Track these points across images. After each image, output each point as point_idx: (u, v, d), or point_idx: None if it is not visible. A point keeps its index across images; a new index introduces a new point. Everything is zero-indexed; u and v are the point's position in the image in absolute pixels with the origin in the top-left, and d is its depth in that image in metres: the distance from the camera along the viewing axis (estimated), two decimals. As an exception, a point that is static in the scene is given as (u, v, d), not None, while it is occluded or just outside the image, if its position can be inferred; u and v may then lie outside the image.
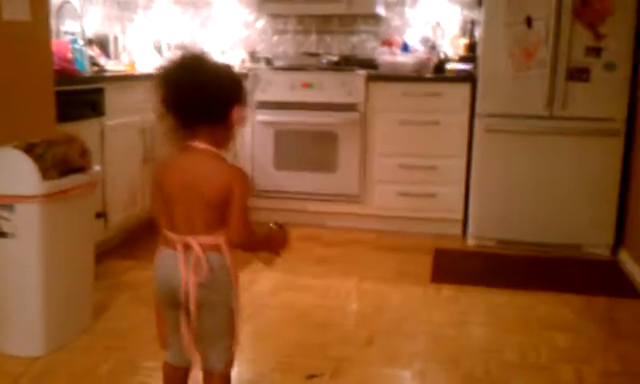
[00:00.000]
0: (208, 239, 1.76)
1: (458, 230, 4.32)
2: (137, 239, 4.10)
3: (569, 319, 3.04)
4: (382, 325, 2.94)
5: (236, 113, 1.79)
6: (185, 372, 1.95)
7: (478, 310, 3.14)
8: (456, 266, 3.79)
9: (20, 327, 2.56)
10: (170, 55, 1.83)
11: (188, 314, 1.79)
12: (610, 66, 3.81)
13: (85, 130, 3.22)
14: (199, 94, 1.74)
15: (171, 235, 1.79)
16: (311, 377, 2.44)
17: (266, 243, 1.92)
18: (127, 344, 2.69)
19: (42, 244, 2.49)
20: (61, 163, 2.56)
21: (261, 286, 3.35)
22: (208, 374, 1.88)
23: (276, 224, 1.96)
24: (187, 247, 1.76)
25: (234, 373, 2.40)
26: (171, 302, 1.82)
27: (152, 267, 1.85)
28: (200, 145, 1.78)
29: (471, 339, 2.83)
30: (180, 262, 1.76)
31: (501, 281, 3.51)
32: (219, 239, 1.77)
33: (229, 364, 1.89)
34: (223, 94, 1.77)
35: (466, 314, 3.08)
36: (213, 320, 1.82)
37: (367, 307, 3.15)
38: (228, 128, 1.81)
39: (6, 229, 2.47)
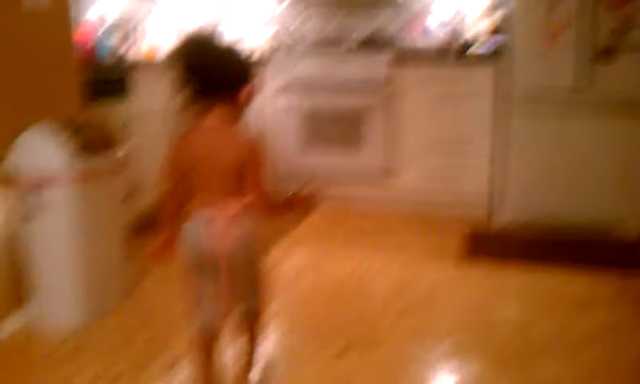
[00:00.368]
0: (230, 205, 1.88)
1: (486, 210, 4.29)
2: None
3: (601, 298, 3.01)
4: (413, 301, 2.94)
5: (247, 91, 1.91)
6: (215, 340, 2.03)
7: (510, 288, 3.12)
8: (486, 245, 3.77)
9: (55, 302, 2.61)
10: (183, 37, 1.91)
11: (218, 276, 1.90)
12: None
13: (114, 111, 3.25)
14: (214, 72, 1.86)
15: (197, 205, 1.90)
16: (342, 351, 2.44)
17: (292, 206, 2.09)
18: (159, 320, 2.72)
19: (73, 223, 2.52)
20: (91, 144, 2.58)
21: (291, 264, 3.36)
22: (243, 320, 2.08)
23: (301, 187, 2.13)
24: (212, 214, 1.87)
25: (265, 347, 2.43)
26: (201, 269, 1.92)
27: (180, 241, 1.95)
28: (214, 119, 1.89)
29: (502, 316, 2.81)
30: (206, 230, 1.87)
31: (532, 259, 3.48)
32: (241, 204, 1.88)
33: (261, 310, 2.08)
34: (235, 72, 1.90)
35: (497, 292, 3.07)
36: (243, 278, 1.96)
37: (398, 284, 3.15)
38: (239, 105, 1.92)
39: (37, 208, 2.50)
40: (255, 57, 4.56)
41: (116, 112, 3.48)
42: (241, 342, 2.18)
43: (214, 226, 1.88)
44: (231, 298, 1.95)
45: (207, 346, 2.04)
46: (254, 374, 2.24)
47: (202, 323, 2.00)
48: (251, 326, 2.12)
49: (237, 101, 1.91)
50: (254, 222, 1.92)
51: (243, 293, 2.00)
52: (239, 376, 2.21)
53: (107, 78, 3.49)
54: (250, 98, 1.93)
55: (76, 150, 2.50)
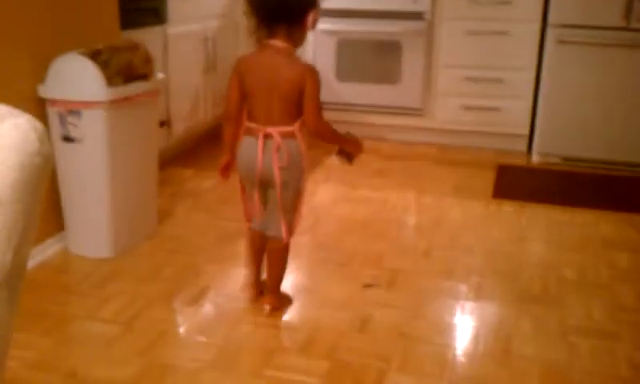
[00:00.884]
0: (285, 128, 2.06)
1: (522, 146, 4.22)
2: (199, 148, 4.17)
3: (632, 239, 2.97)
4: (440, 238, 2.94)
5: (311, 17, 2.06)
6: (264, 236, 2.27)
7: (539, 227, 3.10)
8: (519, 183, 3.72)
9: (89, 229, 2.67)
10: None
11: (264, 191, 2.14)
12: (696, -27, 3.57)
13: (148, 38, 3.23)
14: (278, 3, 2.02)
15: (252, 125, 2.08)
16: (367, 286, 2.48)
17: (342, 139, 2.23)
18: (189, 249, 2.78)
19: (107, 149, 2.55)
20: (125, 70, 2.59)
21: (320, 197, 3.38)
22: (273, 240, 2.22)
23: (349, 133, 2.27)
24: (267, 135, 2.06)
25: (291, 281, 2.49)
26: (253, 182, 2.14)
27: (237, 155, 2.18)
28: (277, 43, 2.05)
29: (530, 255, 2.80)
30: (259, 148, 2.06)
31: (564, 198, 3.44)
32: (294, 128, 2.06)
33: (292, 232, 2.23)
34: (298, 2, 2.04)
35: (526, 231, 3.05)
36: (286, 196, 2.13)
37: (426, 220, 3.15)
38: (302, 30, 2.08)
39: (73, 134, 2.54)
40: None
41: (154, 37, 3.48)
42: (273, 258, 2.28)
43: (265, 146, 2.06)
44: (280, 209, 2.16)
45: (256, 243, 2.30)
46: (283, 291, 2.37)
47: (255, 223, 2.26)
48: (283, 249, 2.26)
49: (299, 28, 2.07)
50: (303, 143, 2.09)
51: (280, 212, 2.16)
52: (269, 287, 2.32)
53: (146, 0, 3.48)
54: (312, 25, 2.07)
55: (111, 76, 2.51)
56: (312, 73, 2.05)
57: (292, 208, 2.19)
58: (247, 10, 2.07)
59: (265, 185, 2.13)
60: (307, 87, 2.03)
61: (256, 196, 2.16)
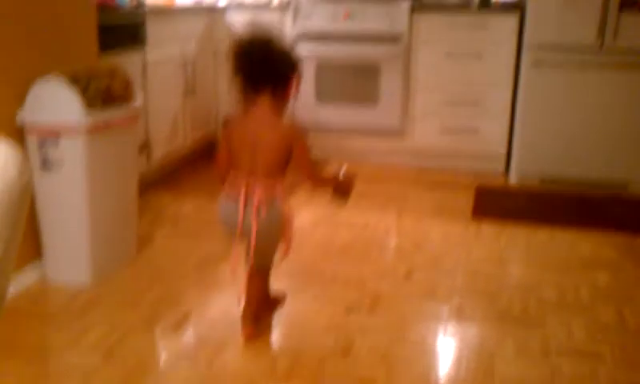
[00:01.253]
0: (268, 182, 2.12)
1: (500, 166, 4.27)
2: (178, 172, 4.16)
3: (611, 259, 3.00)
4: (421, 260, 2.95)
5: (293, 84, 2.18)
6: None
7: (519, 247, 3.12)
8: (497, 203, 3.75)
9: (67, 257, 2.64)
10: (239, 37, 2.18)
11: (247, 241, 2.18)
12: (666, -4, 3.65)
13: (127, 63, 3.23)
14: (268, 66, 2.12)
15: (236, 180, 2.14)
16: (350, 309, 2.47)
17: (336, 182, 2.28)
18: (170, 274, 2.76)
19: (86, 175, 2.53)
20: (104, 95, 2.58)
21: (301, 221, 3.37)
22: (254, 269, 2.27)
23: (344, 171, 2.32)
24: (250, 189, 2.11)
25: (277, 300, 2.46)
26: (233, 236, 2.19)
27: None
28: (262, 107, 2.14)
29: (510, 276, 2.82)
30: (240, 203, 2.11)
31: (543, 218, 3.47)
32: (276, 185, 2.13)
33: (272, 265, 2.31)
34: (286, 67, 2.16)
35: (505, 251, 3.07)
36: (265, 243, 2.18)
37: (406, 242, 3.16)
38: (286, 93, 2.18)
39: (51, 160, 2.52)
40: (275, 2, 4.50)
41: (132, 60, 3.47)
42: (252, 289, 2.29)
43: (247, 200, 2.11)
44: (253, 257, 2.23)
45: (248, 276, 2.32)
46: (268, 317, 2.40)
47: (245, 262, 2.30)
48: (261, 278, 2.32)
49: (283, 91, 2.17)
50: (284, 197, 2.15)
51: (259, 255, 2.23)
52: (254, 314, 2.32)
53: (125, 24, 3.47)
54: (295, 89, 2.20)
55: (90, 102, 2.50)
56: (298, 132, 2.15)
57: (273, 252, 2.26)
58: (233, 73, 2.15)
59: (248, 238, 2.18)
60: (296, 148, 2.13)
61: (236, 250, 2.23)
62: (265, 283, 2.35)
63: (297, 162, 2.15)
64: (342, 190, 2.29)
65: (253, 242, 2.14)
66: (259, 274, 2.30)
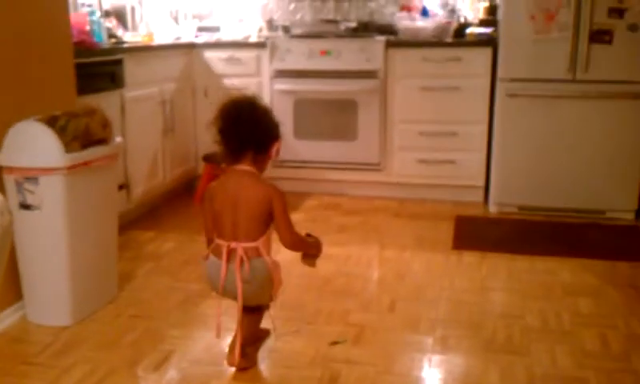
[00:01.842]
0: (250, 244, 2.16)
1: (479, 196, 4.31)
2: (158, 210, 4.14)
3: (592, 285, 3.03)
4: (404, 291, 2.95)
5: (275, 147, 2.25)
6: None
7: (500, 276, 3.14)
8: (477, 233, 3.78)
9: (47, 298, 2.60)
10: (223, 103, 2.26)
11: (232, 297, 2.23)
12: (633, 28, 3.74)
13: (105, 102, 3.23)
14: (252, 130, 2.19)
15: (219, 241, 2.19)
16: (334, 343, 2.46)
17: (309, 245, 2.35)
18: (152, 313, 2.73)
19: (66, 216, 2.52)
20: (83, 135, 2.57)
21: (283, 255, 3.35)
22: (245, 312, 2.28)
23: (310, 235, 2.37)
24: (231, 251, 2.16)
25: (260, 334, 2.44)
26: (218, 292, 2.26)
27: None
28: (244, 167, 2.20)
29: (493, 305, 2.83)
30: (223, 265, 2.16)
31: (523, 247, 3.50)
32: (258, 244, 2.17)
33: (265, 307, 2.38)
34: (268, 131, 2.23)
35: (487, 281, 3.08)
36: (253, 300, 2.26)
37: (388, 274, 3.16)
38: (267, 158, 2.26)
39: (30, 201, 2.50)
40: (252, 39, 4.54)
41: (111, 99, 3.48)
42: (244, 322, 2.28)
43: (229, 262, 2.16)
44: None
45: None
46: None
47: None
48: (255, 316, 2.36)
49: (264, 156, 2.24)
50: (267, 259, 2.20)
51: (248, 310, 2.29)
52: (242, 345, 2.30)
53: (102, 63, 3.48)
54: (278, 151, 2.26)
55: (68, 142, 2.49)
56: (277, 193, 2.19)
57: (259, 310, 2.35)
58: (217, 139, 2.20)
59: (232, 298, 2.22)
60: (275, 208, 2.18)
61: (219, 309, 2.31)
62: (258, 323, 2.37)
63: (275, 223, 2.20)
64: (312, 250, 2.37)
65: (239, 301, 2.18)
66: (255, 313, 2.34)
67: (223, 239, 2.19)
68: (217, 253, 2.21)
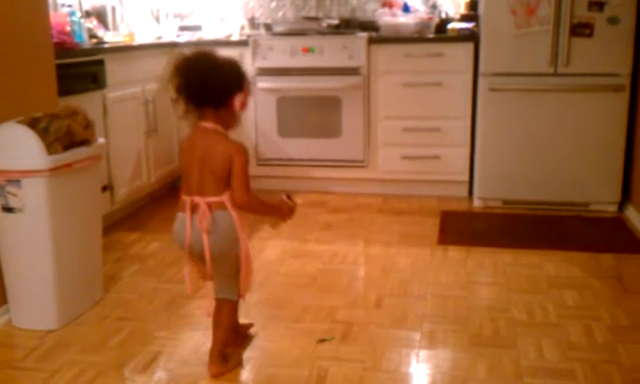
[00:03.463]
0: (213, 198, 2.11)
1: (463, 191, 4.32)
2: (143, 211, 4.12)
3: (576, 277, 3.05)
4: (390, 287, 2.96)
5: (237, 100, 2.14)
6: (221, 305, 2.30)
7: (486, 270, 3.15)
8: (462, 228, 3.79)
9: (32, 301, 2.58)
10: (177, 56, 2.19)
11: (200, 259, 2.17)
12: (613, 20, 3.77)
13: (87, 103, 3.21)
14: (203, 85, 2.10)
15: (184, 197, 2.15)
16: (321, 341, 2.46)
17: (272, 208, 2.28)
18: (138, 315, 2.72)
19: (49, 218, 2.50)
20: (65, 136, 2.55)
21: (269, 254, 3.36)
22: (219, 302, 2.27)
23: (286, 195, 2.30)
24: (196, 205, 2.11)
25: (247, 333, 2.44)
26: (184, 249, 2.19)
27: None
28: (207, 124, 2.15)
29: (479, 299, 2.84)
30: (187, 220, 2.12)
31: (507, 241, 3.52)
32: (223, 198, 2.12)
33: (236, 296, 2.26)
34: (224, 84, 2.12)
35: (473, 275, 3.09)
36: (221, 263, 2.19)
37: (375, 270, 3.16)
38: (230, 112, 2.16)
39: (13, 204, 2.47)
40: (234, 38, 4.53)
41: (93, 100, 3.45)
42: (218, 326, 2.26)
43: (193, 217, 2.12)
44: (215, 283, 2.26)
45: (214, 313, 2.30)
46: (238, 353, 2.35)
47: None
48: (225, 312, 2.28)
49: (226, 111, 2.15)
50: (233, 213, 2.13)
51: (220, 278, 2.24)
52: (221, 351, 2.28)
53: (84, 63, 3.45)
54: (242, 105, 2.16)
55: (50, 143, 2.47)
56: (238, 151, 2.12)
57: (233, 274, 2.24)
58: (174, 95, 2.13)
59: (199, 257, 2.17)
60: (234, 165, 2.10)
61: (193, 267, 2.25)
62: (231, 318, 2.29)
63: (231, 179, 2.11)
64: (276, 216, 2.29)
65: (207, 254, 2.12)
66: (225, 308, 2.26)
67: (189, 195, 2.13)
68: (184, 209, 2.15)
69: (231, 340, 2.33)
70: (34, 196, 2.47)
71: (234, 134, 2.18)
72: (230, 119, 2.18)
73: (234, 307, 2.30)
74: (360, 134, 4.34)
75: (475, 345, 2.42)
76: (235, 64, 2.18)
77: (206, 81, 2.10)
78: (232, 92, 2.13)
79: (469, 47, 4.11)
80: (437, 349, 2.41)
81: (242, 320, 2.48)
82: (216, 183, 2.11)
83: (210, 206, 2.11)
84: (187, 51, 2.17)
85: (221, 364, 2.24)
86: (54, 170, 2.48)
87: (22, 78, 2.75)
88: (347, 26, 4.68)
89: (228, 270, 2.23)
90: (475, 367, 2.26)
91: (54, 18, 3.34)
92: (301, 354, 2.37)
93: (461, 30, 4.22)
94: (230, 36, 4.68)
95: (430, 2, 4.64)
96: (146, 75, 4.07)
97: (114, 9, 4.59)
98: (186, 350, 2.42)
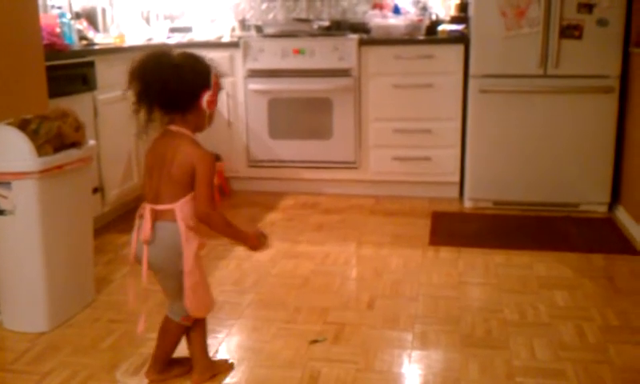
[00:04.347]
0: (162, 206, 1.99)
1: (454, 192, 4.34)
2: (133, 213, 4.08)
3: (567, 277, 3.06)
4: (382, 288, 2.96)
5: (204, 99, 1.98)
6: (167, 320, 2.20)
7: (477, 270, 3.16)
8: (453, 228, 3.80)
9: (23, 304, 2.57)
10: (138, 55, 1.98)
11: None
12: (602, 22, 3.79)
13: (77, 105, 3.19)
14: (162, 89, 1.93)
15: (143, 204, 2.05)
16: (314, 342, 2.46)
17: (240, 234, 2.10)
18: (129, 317, 2.70)
19: (40, 220, 2.48)
20: (55, 138, 2.54)
21: (261, 255, 3.35)
22: (167, 319, 2.18)
23: (262, 233, 2.17)
24: (145, 215, 2.02)
25: (236, 342, 2.44)
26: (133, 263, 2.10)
27: None
28: (174, 128, 2.01)
29: (471, 300, 2.85)
30: (134, 229, 2.05)
31: (498, 241, 3.53)
32: (174, 206, 1.97)
33: (183, 319, 2.13)
34: (186, 85, 1.95)
35: (464, 275, 3.10)
36: (162, 278, 2.11)
37: (366, 271, 3.17)
38: (198, 113, 2.01)
39: (3, 206, 2.46)
40: (225, 40, 4.52)
41: (83, 102, 3.44)
42: (163, 336, 2.22)
43: (139, 225, 2.04)
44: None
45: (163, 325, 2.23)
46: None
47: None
48: (170, 330, 2.19)
49: (193, 112, 2.00)
50: (181, 225, 1.98)
51: (168, 295, 2.15)
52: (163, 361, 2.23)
53: (74, 65, 3.44)
54: (210, 104, 2.00)
55: (41, 145, 2.46)
56: (202, 159, 1.97)
57: (176, 292, 2.08)
58: (134, 103, 1.99)
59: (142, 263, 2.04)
60: (197, 173, 1.96)
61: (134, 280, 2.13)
62: (173, 338, 2.18)
63: (194, 189, 1.98)
64: (243, 244, 2.13)
65: (144, 265, 2.01)
66: (170, 325, 2.17)
67: (146, 202, 2.03)
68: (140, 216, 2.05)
69: (166, 353, 2.21)
70: (24, 198, 2.45)
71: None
72: (199, 121, 2.03)
73: (178, 328, 2.17)
74: (351, 136, 4.35)
75: (467, 345, 2.43)
76: (197, 61, 2.01)
77: (165, 85, 1.93)
78: (196, 93, 1.97)
79: (459, 49, 4.12)
80: (429, 349, 2.41)
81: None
82: (173, 190, 1.98)
83: (157, 214, 1.99)
84: (142, 53, 1.98)
85: (156, 373, 2.19)
86: (45, 172, 2.47)
87: (12, 80, 2.74)
88: (338, 27, 4.69)
89: (172, 287, 2.09)
90: (467, 367, 2.27)
91: (44, 19, 3.33)
92: (293, 355, 2.37)
93: (451, 31, 4.24)
94: (221, 38, 4.68)
95: (421, 4, 4.65)
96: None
97: (104, 10, 4.58)
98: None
